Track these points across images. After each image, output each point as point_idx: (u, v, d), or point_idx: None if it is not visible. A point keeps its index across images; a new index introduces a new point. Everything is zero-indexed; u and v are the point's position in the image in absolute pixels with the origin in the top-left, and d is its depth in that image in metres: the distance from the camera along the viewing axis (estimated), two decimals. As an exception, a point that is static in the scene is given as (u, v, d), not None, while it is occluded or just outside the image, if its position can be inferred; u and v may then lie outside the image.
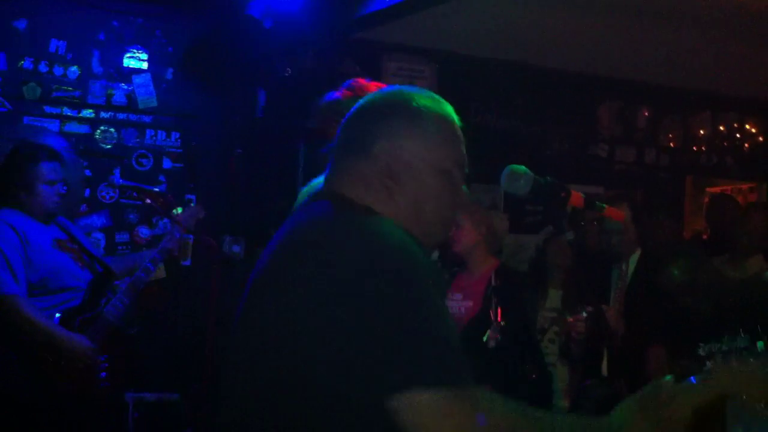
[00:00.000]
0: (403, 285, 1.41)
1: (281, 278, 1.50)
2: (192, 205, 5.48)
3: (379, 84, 2.70)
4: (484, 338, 4.03)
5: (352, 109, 1.72)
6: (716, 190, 7.82)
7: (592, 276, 4.55)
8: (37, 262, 3.96)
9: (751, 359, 1.53)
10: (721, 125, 7.79)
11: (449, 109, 1.72)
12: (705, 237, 6.63)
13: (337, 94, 2.75)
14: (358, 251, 1.44)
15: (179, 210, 4.94)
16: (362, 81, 2.75)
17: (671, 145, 7.57)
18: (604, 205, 2.30)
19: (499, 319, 4.00)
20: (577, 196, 2.26)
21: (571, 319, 4.10)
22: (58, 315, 3.97)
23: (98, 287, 4.14)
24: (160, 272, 5.10)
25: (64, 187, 4.17)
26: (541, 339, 4.87)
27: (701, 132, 7.72)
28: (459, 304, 4.32)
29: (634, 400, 1.57)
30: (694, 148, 7.71)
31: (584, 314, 4.09)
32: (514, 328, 4.12)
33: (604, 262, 4.49)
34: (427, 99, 1.69)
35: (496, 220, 4.99)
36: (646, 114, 7.42)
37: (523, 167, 2.39)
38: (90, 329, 4.01)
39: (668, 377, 1.56)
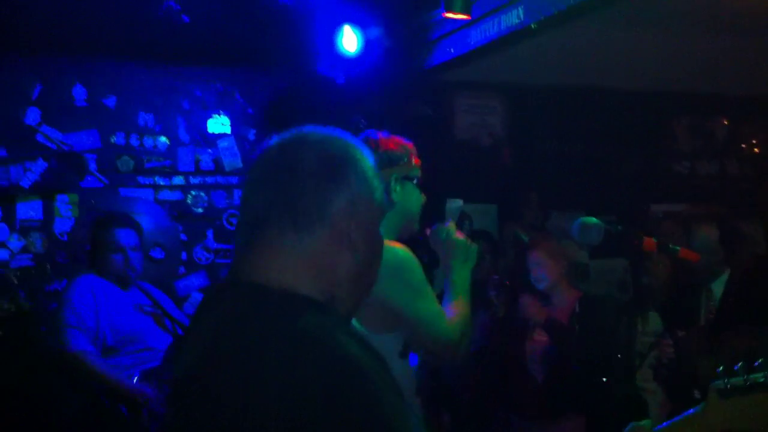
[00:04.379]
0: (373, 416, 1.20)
1: (227, 406, 1.22)
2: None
3: (395, 139, 2.72)
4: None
5: (259, 169, 1.40)
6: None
7: (681, 299, 4.50)
8: (119, 323, 4.16)
9: (757, 389, 1.44)
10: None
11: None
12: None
13: None
14: (316, 385, 1.18)
15: None
16: (373, 135, 2.73)
17: (755, 150, 7.42)
18: (678, 248, 2.35)
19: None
20: (650, 242, 2.32)
21: (664, 342, 4.09)
22: (136, 376, 4.11)
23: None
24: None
25: (162, 252, 4.33)
26: (639, 364, 4.84)
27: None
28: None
29: None
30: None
31: (671, 339, 4.06)
32: (602, 355, 4.16)
33: (693, 284, 4.43)
34: (352, 144, 1.44)
35: (574, 249, 5.01)
36: (726, 124, 7.31)
37: (593, 219, 2.46)
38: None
39: (646, 421, 1.53)
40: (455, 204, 6.15)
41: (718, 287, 4.31)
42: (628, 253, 4.15)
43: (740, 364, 1.47)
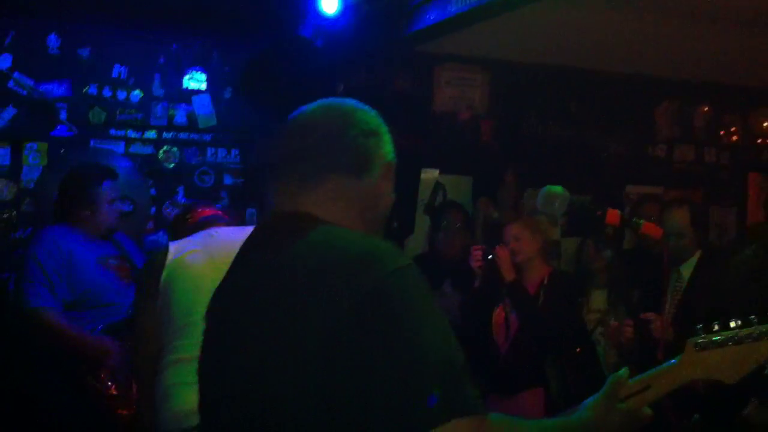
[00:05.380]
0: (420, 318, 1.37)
1: (301, 323, 1.38)
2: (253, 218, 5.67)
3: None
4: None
5: (303, 129, 1.62)
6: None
7: (644, 279, 4.49)
8: (78, 279, 4.08)
9: (731, 343, 1.59)
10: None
11: None
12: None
13: None
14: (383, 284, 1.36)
15: None
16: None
17: (733, 139, 7.43)
18: (642, 221, 2.32)
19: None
20: (613, 215, 2.29)
21: (615, 324, 4.09)
22: (100, 327, 4.07)
23: None
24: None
25: (131, 206, 4.27)
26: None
27: (764, 125, 7.56)
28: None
29: (599, 395, 1.63)
30: (758, 141, 7.54)
31: (630, 320, 4.06)
32: (569, 326, 4.17)
33: (660, 266, 4.43)
34: (373, 111, 1.69)
35: (548, 227, 5.00)
36: (705, 112, 7.31)
37: (559, 188, 2.42)
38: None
39: (624, 370, 1.63)
40: (431, 174, 6.12)
41: (687, 270, 4.31)
42: (592, 227, 4.13)
43: (717, 321, 1.62)
